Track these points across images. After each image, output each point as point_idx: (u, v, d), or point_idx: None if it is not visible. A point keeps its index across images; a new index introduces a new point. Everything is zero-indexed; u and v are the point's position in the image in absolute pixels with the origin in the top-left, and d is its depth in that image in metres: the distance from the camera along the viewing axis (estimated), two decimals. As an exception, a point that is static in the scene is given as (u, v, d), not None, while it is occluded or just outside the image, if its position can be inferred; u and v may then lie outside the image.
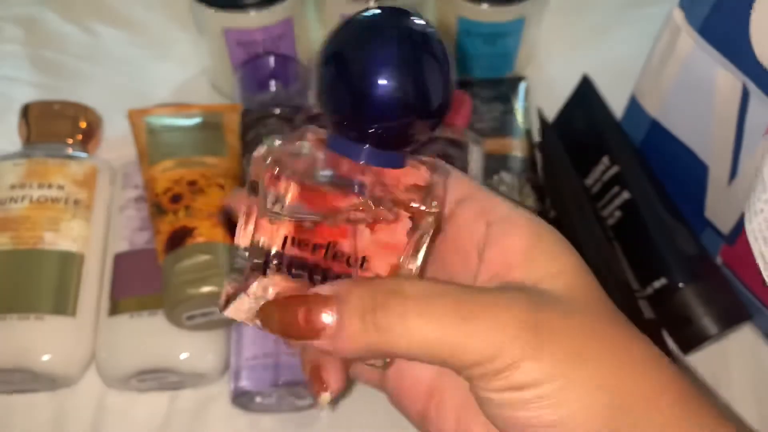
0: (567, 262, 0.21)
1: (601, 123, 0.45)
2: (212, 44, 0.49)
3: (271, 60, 0.47)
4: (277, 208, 0.21)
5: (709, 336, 0.38)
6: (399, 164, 0.22)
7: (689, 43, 0.37)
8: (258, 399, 0.38)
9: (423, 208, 0.21)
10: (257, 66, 0.48)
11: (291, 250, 0.22)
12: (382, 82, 0.19)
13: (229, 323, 0.39)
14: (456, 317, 0.19)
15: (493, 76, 0.52)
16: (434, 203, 0.21)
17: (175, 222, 0.38)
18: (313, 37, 0.51)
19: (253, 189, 0.22)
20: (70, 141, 0.45)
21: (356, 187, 0.21)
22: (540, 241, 0.21)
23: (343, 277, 0.22)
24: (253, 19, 0.46)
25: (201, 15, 0.47)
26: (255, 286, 0.22)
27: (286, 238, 0.22)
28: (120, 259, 0.41)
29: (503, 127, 0.49)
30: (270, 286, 0.22)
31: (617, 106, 0.47)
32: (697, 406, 0.20)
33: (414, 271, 0.22)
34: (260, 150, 0.21)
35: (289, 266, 0.22)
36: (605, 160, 0.43)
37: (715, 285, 0.39)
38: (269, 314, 0.20)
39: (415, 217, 0.21)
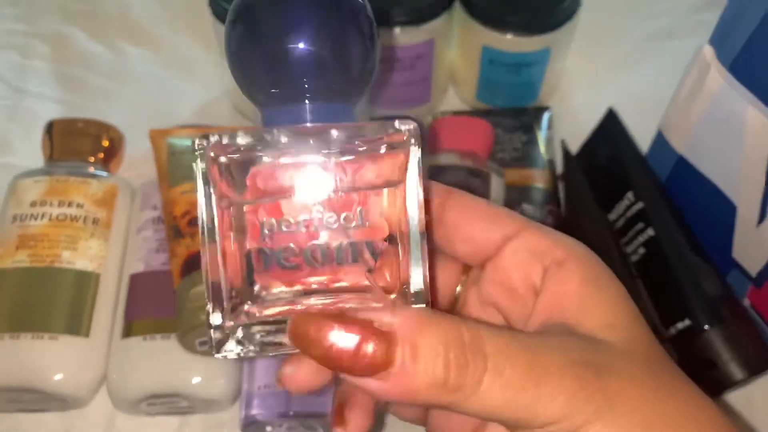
0: (622, 313, 0.21)
1: (626, 157, 0.44)
2: (236, 67, 0.49)
3: (294, 84, 0.47)
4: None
5: (734, 382, 0.37)
6: (348, 117, 0.20)
7: (719, 80, 0.36)
8: (268, 429, 0.38)
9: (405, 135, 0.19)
10: (280, 90, 0.48)
11: (277, 237, 0.19)
12: (303, 32, 0.19)
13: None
14: (530, 380, 0.18)
15: (516, 106, 0.52)
16: (410, 130, 0.19)
17: (192, 246, 0.38)
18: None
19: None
20: (92, 159, 0.46)
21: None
22: (595, 288, 0.21)
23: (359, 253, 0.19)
24: (277, 43, 0.46)
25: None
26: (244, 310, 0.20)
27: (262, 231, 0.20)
28: (135, 281, 0.40)
29: (526, 157, 0.48)
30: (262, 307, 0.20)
31: (643, 140, 0.46)
32: None
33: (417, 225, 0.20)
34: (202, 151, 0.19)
35: (278, 259, 0.20)
36: (629, 195, 0.43)
37: (742, 328, 0.38)
38: (304, 333, 0.17)
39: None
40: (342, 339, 0.16)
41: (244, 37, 0.20)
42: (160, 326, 0.38)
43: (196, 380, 0.38)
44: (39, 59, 0.56)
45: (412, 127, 0.19)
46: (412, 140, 0.19)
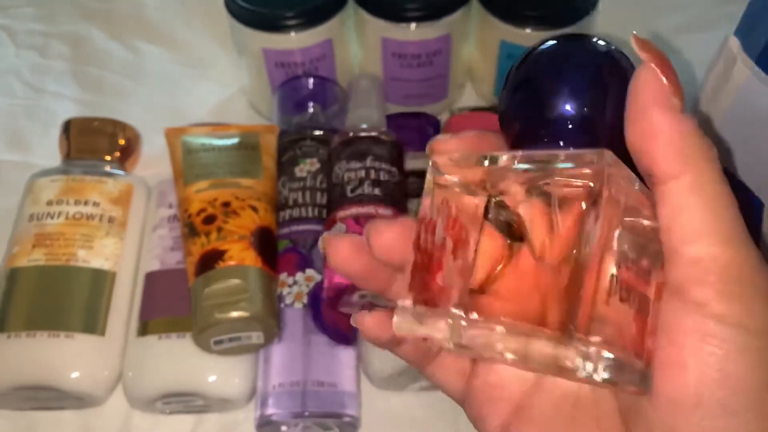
0: None
1: (648, 153, 0.43)
2: (251, 64, 0.49)
3: (310, 81, 0.47)
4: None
5: (761, 383, 0.36)
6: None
7: (745, 73, 0.35)
8: (283, 428, 0.37)
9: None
10: (295, 87, 0.47)
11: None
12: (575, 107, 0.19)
13: (257, 348, 0.38)
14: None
15: (535, 102, 0.51)
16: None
17: (207, 244, 0.38)
18: (352, 59, 0.51)
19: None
20: (108, 158, 0.46)
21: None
22: None
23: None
24: (292, 40, 0.45)
25: (241, 35, 0.47)
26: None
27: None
28: (151, 279, 0.40)
29: (545, 154, 0.47)
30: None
31: (665, 135, 0.45)
32: None
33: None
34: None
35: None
36: (652, 192, 0.42)
37: (769, 329, 0.37)
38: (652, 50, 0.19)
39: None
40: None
41: (521, 97, 0.21)
42: (176, 325, 0.38)
43: (211, 379, 0.37)
44: (57, 59, 0.57)
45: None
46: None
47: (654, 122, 0.18)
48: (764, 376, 0.18)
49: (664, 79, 0.18)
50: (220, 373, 0.38)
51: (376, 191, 0.39)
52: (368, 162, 0.40)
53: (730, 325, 0.18)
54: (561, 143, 0.20)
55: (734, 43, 0.36)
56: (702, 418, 0.18)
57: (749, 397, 0.18)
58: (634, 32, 0.19)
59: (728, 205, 0.18)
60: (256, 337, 0.37)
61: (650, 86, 0.18)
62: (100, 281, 0.40)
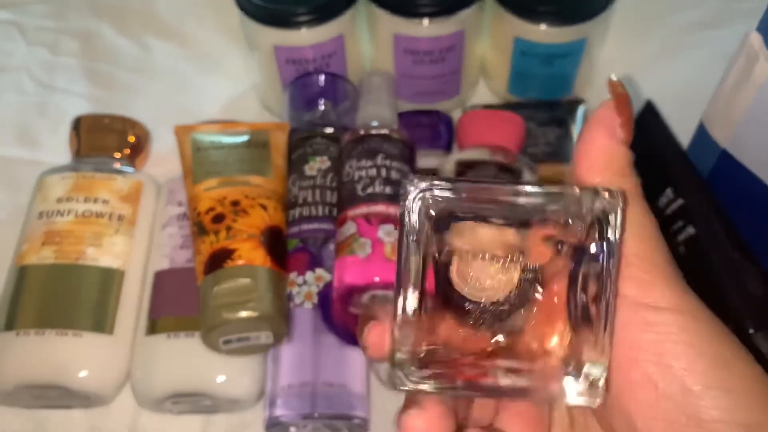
0: None
1: (666, 152, 0.42)
2: (262, 61, 0.48)
3: (321, 78, 0.47)
4: None
5: (782, 389, 0.35)
6: None
7: (767, 69, 0.34)
8: (292, 429, 0.37)
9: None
10: (306, 84, 0.47)
11: None
12: None
13: (267, 349, 0.38)
14: None
15: (549, 99, 0.50)
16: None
17: (216, 243, 0.37)
18: (364, 55, 0.50)
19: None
20: (118, 155, 0.45)
21: None
22: None
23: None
24: (303, 36, 0.45)
25: (252, 31, 0.46)
26: None
27: None
28: (160, 277, 0.40)
29: (559, 152, 0.46)
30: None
31: (683, 134, 0.44)
32: None
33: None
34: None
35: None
36: (669, 191, 0.41)
37: (790, 332, 0.36)
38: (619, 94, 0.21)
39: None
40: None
41: None
42: (185, 324, 0.38)
43: (220, 379, 0.37)
44: (68, 55, 0.56)
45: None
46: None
47: (594, 136, 0.21)
48: (713, 353, 0.18)
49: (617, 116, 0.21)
50: (228, 374, 0.37)
51: (388, 190, 0.38)
52: (379, 160, 0.39)
53: (664, 310, 0.18)
54: None
55: (756, 39, 0.35)
56: (665, 411, 0.18)
57: (707, 375, 0.18)
58: (612, 76, 0.21)
59: (647, 219, 0.20)
60: (265, 337, 0.36)
61: (604, 114, 0.21)
62: (109, 280, 0.39)
